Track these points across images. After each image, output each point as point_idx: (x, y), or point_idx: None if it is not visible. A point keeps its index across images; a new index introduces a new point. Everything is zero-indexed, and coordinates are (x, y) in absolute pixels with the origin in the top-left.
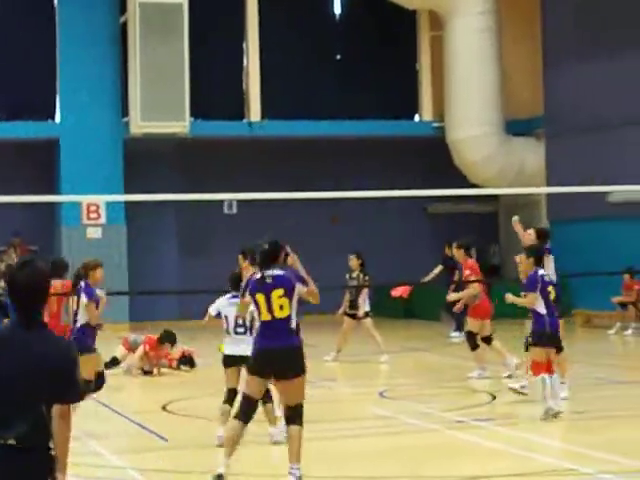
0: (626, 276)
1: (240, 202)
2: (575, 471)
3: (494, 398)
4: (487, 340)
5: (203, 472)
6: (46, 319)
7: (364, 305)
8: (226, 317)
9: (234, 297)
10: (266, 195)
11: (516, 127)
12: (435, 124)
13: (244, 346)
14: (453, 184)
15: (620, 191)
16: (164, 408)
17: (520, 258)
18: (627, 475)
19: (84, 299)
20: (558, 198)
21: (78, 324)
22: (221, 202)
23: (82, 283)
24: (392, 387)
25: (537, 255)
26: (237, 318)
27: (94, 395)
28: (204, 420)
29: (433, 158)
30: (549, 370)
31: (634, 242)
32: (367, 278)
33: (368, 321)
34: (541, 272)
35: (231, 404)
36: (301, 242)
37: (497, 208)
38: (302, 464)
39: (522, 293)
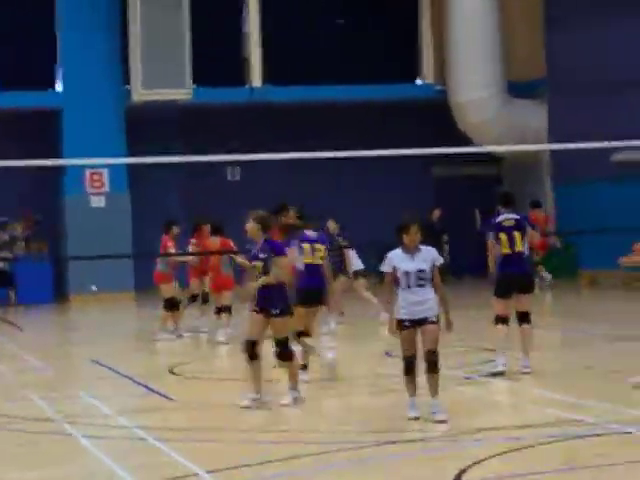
0: None
1: (243, 169)
2: (582, 422)
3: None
4: None
5: (210, 429)
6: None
7: (350, 266)
8: None
9: None
10: (270, 156)
11: (519, 89)
12: (437, 87)
13: None
14: (456, 147)
15: (623, 147)
16: (171, 371)
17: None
18: (630, 424)
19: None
20: (561, 159)
21: None
22: (224, 169)
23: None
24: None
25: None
26: None
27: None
28: (210, 381)
29: (436, 121)
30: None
31: (638, 201)
32: (346, 240)
33: (360, 282)
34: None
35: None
36: (305, 207)
37: (501, 170)
38: (309, 421)
39: None
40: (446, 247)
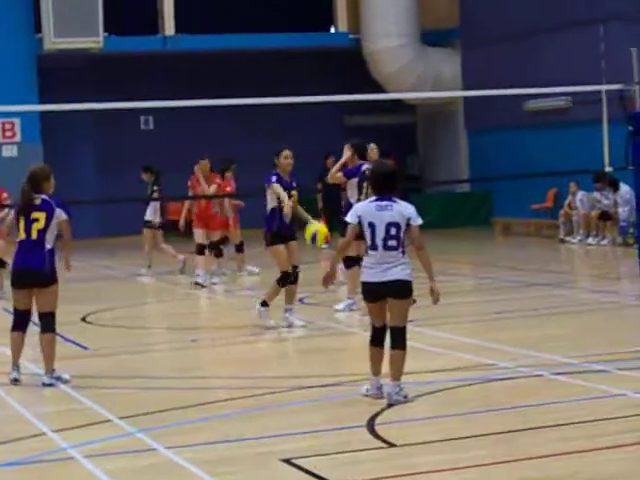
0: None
1: (156, 118)
2: (494, 366)
3: (414, 302)
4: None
5: (123, 377)
6: None
7: (152, 216)
8: None
9: None
10: (182, 103)
11: (432, 38)
12: (351, 35)
13: None
14: (370, 95)
15: (535, 95)
16: (84, 319)
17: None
18: (540, 368)
19: None
20: (475, 108)
21: None
22: (137, 118)
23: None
24: (311, 294)
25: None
26: None
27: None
28: (124, 329)
29: (350, 70)
30: None
31: (550, 150)
32: (156, 190)
33: (157, 234)
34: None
35: None
36: (219, 155)
37: (415, 119)
38: (221, 368)
39: None
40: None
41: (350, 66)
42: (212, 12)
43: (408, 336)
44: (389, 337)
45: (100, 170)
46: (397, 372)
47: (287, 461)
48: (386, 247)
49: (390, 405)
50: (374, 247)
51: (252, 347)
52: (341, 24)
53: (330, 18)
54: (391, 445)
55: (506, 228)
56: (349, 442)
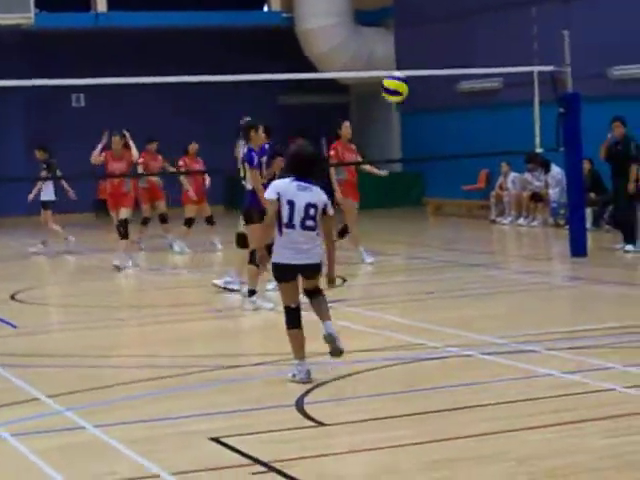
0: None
1: (87, 96)
2: (424, 345)
3: (345, 281)
4: None
5: (51, 355)
6: None
7: (49, 196)
8: None
9: None
10: (113, 80)
11: (366, 17)
12: (284, 14)
13: None
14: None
15: (468, 75)
16: (12, 297)
17: None
18: (469, 348)
19: None
20: (409, 88)
21: None
22: (69, 96)
23: None
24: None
25: None
26: None
27: None
28: (52, 307)
29: (283, 49)
30: None
31: (483, 131)
32: (45, 169)
33: (47, 213)
34: None
35: None
36: (147, 133)
37: (348, 99)
38: (150, 347)
39: None
40: None
41: (283, 45)
42: None
43: (339, 316)
44: (306, 298)
45: (30, 148)
46: (327, 312)
47: (215, 440)
48: (304, 227)
49: (319, 384)
50: (291, 225)
51: (179, 326)
52: (274, 3)
53: None
54: (320, 424)
55: (438, 209)
56: (278, 421)
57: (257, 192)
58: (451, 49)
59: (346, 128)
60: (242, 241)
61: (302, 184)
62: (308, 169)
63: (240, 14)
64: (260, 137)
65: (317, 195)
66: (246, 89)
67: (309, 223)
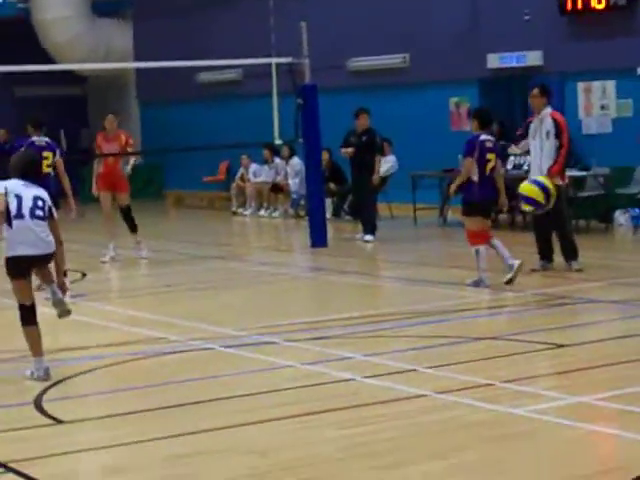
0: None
1: None
2: (165, 339)
3: (84, 275)
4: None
5: None
6: None
7: None
8: None
9: None
10: None
11: (104, 8)
12: (20, 5)
13: None
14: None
15: (207, 66)
16: None
17: None
18: (211, 341)
19: None
20: (148, 80)
21: None
22: None
23: None
24: None
25: None
26: None
27: None
28: None
29: (19, 40)
30: (484, 241)
31: (223, 123)
32: None
33: None
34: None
35: None
36: None
37: (86, 91)
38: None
39: None
40: None
41: (20, 36)
42: None
43: (79, 311)
44: (50, 295)
45: None
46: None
47: None
48: (34, 216)
49: (58, 382)
50: (20, 216)
51: None
52: None
53: None
54: (58, 422)
55: (178, 201)
56: (15, 419)
57: None
58: (190, 40)
59: (107, 120)
60: None
61: (27, 183)
62: (30, 171)
63: None
64: None
65: (43, 194)
66: None
67: (39, 213)
